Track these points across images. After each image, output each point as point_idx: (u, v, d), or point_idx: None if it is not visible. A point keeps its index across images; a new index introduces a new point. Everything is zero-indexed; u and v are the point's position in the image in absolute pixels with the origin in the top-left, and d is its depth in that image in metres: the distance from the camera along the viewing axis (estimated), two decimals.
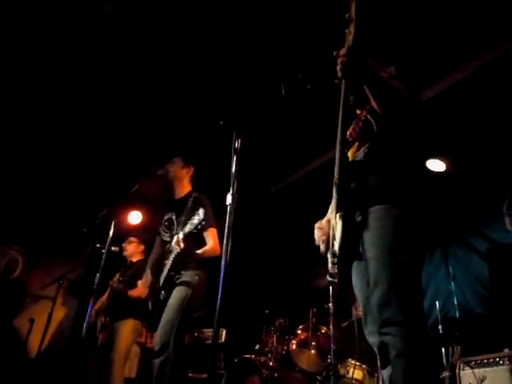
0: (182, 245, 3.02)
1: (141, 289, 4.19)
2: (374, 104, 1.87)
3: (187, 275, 3.15)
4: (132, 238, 4.61)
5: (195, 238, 3.20)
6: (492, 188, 4.33)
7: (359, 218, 1.89)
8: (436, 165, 4.55)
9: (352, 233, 1.83)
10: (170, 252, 3.16)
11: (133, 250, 4.55)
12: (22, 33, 4.00)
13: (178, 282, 3.14)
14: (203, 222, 2.99)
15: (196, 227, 2.99)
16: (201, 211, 2.99)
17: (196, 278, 3.15)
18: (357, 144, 2.02)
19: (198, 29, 3.91)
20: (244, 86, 4.31)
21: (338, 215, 1.85)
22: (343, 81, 1.82)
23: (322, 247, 2.07)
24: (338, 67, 1.76)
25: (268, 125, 4.41)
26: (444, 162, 4.54)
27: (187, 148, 3.75)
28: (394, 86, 1.86)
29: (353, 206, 1.89)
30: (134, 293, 4.19)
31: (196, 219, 2.98)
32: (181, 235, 3.07)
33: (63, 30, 3.99)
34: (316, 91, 2.19)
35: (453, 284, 3.95)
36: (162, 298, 3.17)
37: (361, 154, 1.98)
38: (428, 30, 3.68)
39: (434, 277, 4.48)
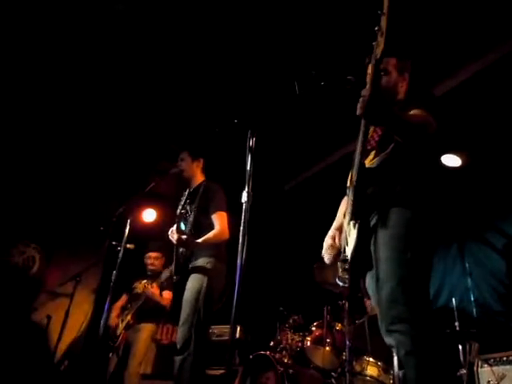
0: (175, 237, 3.07)
1: (167, 299, 4.36)
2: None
3: (199, 262, 3.12)
4: (157, 254, 4.71)
5: (203, 223, 3.21)
6: (508, 182, 4.26)
7: (373, 221, 1.94)
8: (451, 160, 4.49)
9: (366, 242, 1.89)
10: None
11: (161, 265, 4.66)
12: (26, 32, 4.03)
13: (191, 268, 3.13)
14: (198, 203, 3.03)
15: (192, 208, 3.03)
16: (198, 193, 3.02)
17: (208, 265, 3.09)
18: (374, 152, 2.04)
19: (212, 26, 3.91)
20: (258, 85, 4.31)
21: (352, 223, 1.92)
22: (363, 120, 1.86)
23: (328, 260, 2.19)
24: (359, 105, 1.78)
25: (282, 122, 4.41)
26: (459, 156, 4.48)
27: (195, 142, 3.75)
28: (414, 122, 1.89)
29: (368, 212, 1.94)
30: (164, 301, 4.36)
31: (194, 202, 3.01)
32: (174, 227, 3.13)
33: (73, 28, 4.03)
34: (329, 88, 2.18)
35: (469, 280, 3.90)
36: (174, 280, 3.21)
37: (378, 161, 2.00)
38: (444, 23, 3.63)
39: (451, 273, 4.44)
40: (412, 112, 1.94)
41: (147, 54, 4.27)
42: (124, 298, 4.58)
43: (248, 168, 2.03)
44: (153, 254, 4.69)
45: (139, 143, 5.37)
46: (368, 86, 1.82)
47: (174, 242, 3.10)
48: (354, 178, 1.92)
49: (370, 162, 2.02)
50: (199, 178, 3.55)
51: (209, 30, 3.97)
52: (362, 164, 1.91)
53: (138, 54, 4.28)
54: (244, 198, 1.96)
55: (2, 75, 4.39)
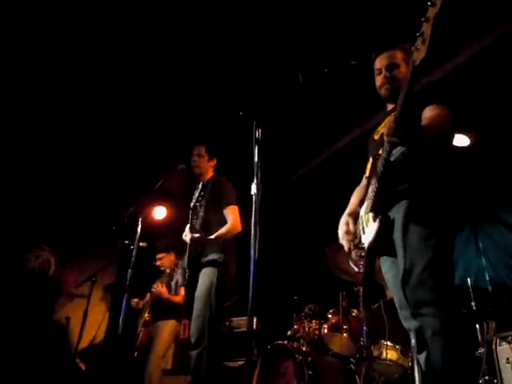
0: (188, 237, 3.12)
1: (182, 296, 4.41)
2: None
3: (211, 256, 3.16)
4: (162, 254, 4.84)
5: (213, 217, 3.24)
6: None
7: (395, 211, 1.95)
8: (460, 139, 4.45)
9: (386, 234, 1.92)
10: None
11: (170, 263, 4.78)
12: (25, 32, 4.03)
13: (203, 262, 3.16)
14: (207, 197, 3.10)
15: (200, 202, 3.10)
16: (206, 188, 3.09)
17: (219, 259, 3.13)
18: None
19: (214, 19, 3.89)
20: (260, 76, 4.29)
21: (371, 215, 1.96)
22: (388, 142, 1.85)
23: (347, 248, 2.18)
24: (386, 131, 1.79)
25: (286, 112, 4.39)
26: (467, 136, 4.44)
27: (210, 140, 3.78)
28: (440, 133, 1.90)
29: (389, 205, 1.96)
30: (176, 298, 4.42)
31: (200, 196, 3.05)
32: (187, 227, 3.17)
33: (74, 27, 4.02)
34: (333, 74, 2.17)
35: (483, 259, 3.89)
36: (187, 276, 3.26)
37: (397, 154, 2.00)
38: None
39: (464, 253, 4.41)
40: (429, 112, 1.94)
41: (150, 51, 4.26)
42: (148, 297, 4.66)
43: (256, 160, 2.03)
44: (158, 255, 4.84)
45: (146, 142, 5.38)
46: (398, 109, 1.77)
47: (188, 241, 3.14)
48: (379, 172, 1.94)
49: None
50: (209, 174, 3.59)
51: (211, 24, 3.95)
52: (387, 158, 1.92)
53: (141, 51, 4.27)
54: (253, 189, 1.96)
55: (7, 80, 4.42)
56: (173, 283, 4.56)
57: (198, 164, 3.53)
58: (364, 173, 2.39)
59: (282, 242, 5.97)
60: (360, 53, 2.29)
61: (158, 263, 4.81)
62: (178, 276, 4.54)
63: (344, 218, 2.27)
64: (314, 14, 3.74)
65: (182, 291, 4.47)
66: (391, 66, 2.16)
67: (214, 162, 3.61)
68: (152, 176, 3.97)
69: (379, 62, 2.21)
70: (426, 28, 1.65)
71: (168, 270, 4.67)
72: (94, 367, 4.90)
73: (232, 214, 3.23)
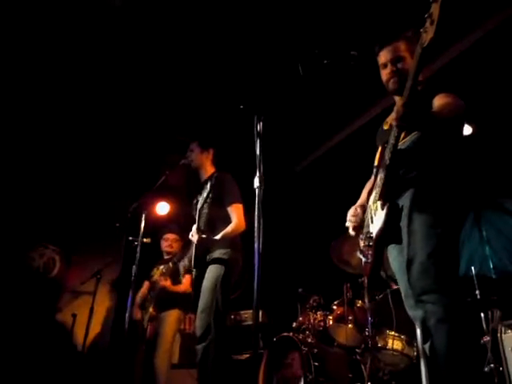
0: (195, 237, 3.12)
1: (186, 284, 4.36)
2: None
3: (216, 254, 3.16)
4: (176, 236, 4.69)
5: (217, 215, 3.24)
6: None
7: (403, 199, 1.95)
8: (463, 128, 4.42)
9: (394, 222, 1.92)
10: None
11: (178, 247, 4.63)
12: (23, 31, 4.02)
13: (209, 260, 3.17)
14: (211, 195, 3.10)
15: (205, 201, 3.07)
16: (208, 185, 3.08)
17: (225, 256, 3.14)
18: (404, 133, 2.03)
19: (214, 12, 3.88)
20: (260, 69, 4.28)
21: (380, 203, 1.96)
22: (396, 128, 1.87)
23: (352, 232, 2.20)
24: (395, 115, 1.81)
25: (287, 104, 4.37)
26: (471, 124, 4.41)
27: (204, 133, 3.77)
28: (449, 116, 1.89)
29: (398, 193, 1.97)
30: (179, 288, 4.35)
31: (205, 193, 3.05)
32: (194, 227, 3.17)
33: (74, 26, 4.02)
34: (333, 65, 2.16)
35: (487, 248, 3.88)
36: (194, 274, 3.26)
37: (409, 141, 2.01)
38: None
39: (468, 242, 4.40)
40: (440, 100, 1.94)
41: (151, 46, 4.25)
42: (146, 286, 4.58)
43: (258, 153, 2.03)
44: (171, 236, 4.66)
45: (148, 137, 5.38)
46: (406, 93, 1.79)
47: (195, 242, 3.15)
48: (388, 160, 1.94)
49: (400, 141, 2.02)
50: (209, 168, 3.56)
51: (211, 18, 3.93)
52: (395, 144, 1.93)
53: (142, 47, 4.26)
54: (256, 183, 1.96)
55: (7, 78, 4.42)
56: (180, 266, 4.44)
57: (190, 158, 3.54)
58: (372, 165, 2.39)
59: (286, 234, 5.97)
60: (360, 42, 2.27)
61: (164, 244, 4.65)
62: (182, 265, 4.44)
63: (353, 208, 2.29)
64: (313, 5, 3.72)
65: (184, 279, 4.42)
66: (396, 60, 2.11)
67: (209, 154, 3.57)
68: (154, 172, 3.97)
69: (384, 56, 2.15)
70: (435, 8, 1.66)
71: (170, 256, 4.56)
72: (101, 362, 4.92)
73: (236, 213, 3.22)
